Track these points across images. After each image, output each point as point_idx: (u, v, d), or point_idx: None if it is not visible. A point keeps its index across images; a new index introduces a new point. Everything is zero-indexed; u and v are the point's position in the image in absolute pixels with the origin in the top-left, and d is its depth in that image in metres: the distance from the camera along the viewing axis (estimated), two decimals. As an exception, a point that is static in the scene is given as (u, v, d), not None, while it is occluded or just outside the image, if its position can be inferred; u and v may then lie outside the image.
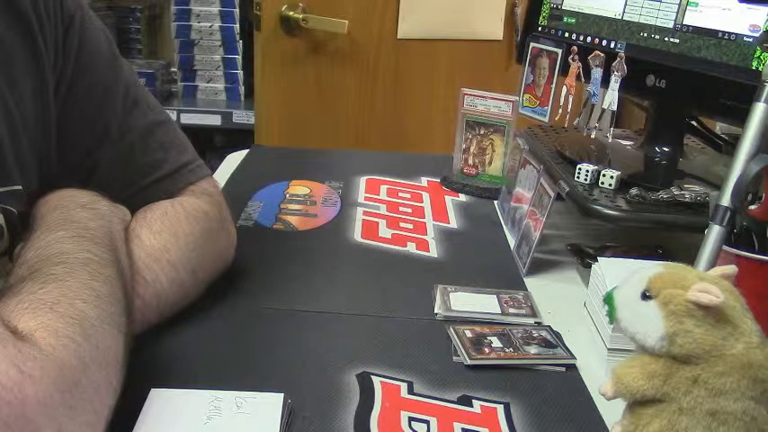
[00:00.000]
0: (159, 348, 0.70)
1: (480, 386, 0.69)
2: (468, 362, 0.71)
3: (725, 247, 0.67)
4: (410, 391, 0.67)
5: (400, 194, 1.20)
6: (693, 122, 1.11)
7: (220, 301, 0.80)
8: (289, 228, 1.04)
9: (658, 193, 0.91)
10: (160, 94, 2.25)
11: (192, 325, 0.75)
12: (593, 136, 1.04)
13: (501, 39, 1.90)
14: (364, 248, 0.99)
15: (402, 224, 1.08)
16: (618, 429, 0.56)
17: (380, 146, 1.87)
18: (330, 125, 1.90)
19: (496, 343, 0.75)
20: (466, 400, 0.67)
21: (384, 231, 1.05)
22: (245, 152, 1.37)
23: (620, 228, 0.98)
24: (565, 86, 1.07)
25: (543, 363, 0.73)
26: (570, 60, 1.06)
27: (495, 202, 1.18)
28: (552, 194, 0.91)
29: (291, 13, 1.80)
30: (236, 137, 2.20)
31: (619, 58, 0.99)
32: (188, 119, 2.19)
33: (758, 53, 0.87)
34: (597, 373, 0.72)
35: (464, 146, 1.23)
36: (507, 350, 0.74)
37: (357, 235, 1.03)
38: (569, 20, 1.13)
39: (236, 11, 2.23)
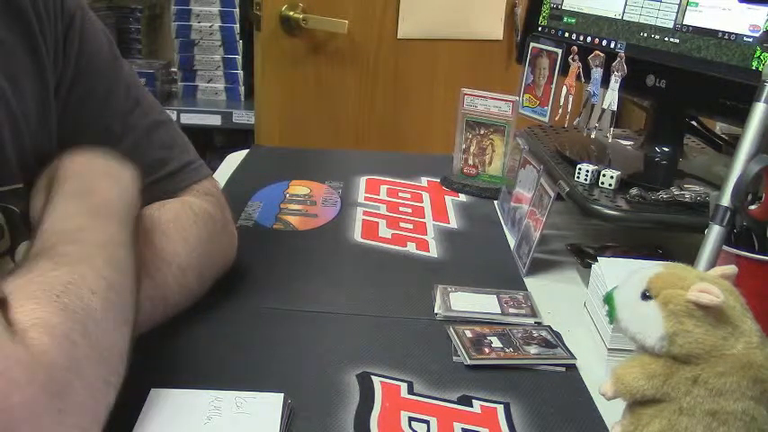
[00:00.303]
0: (159, 348, 0.70)
1: (480, 386, 0.69)
2: (468, 362, 0.71)
3: (725, 247, 0.67)
4: (410, 391, 0.67)
5: (400, 194, 1.20)
6: (693, 122, 1.11)
7: (220, 301, 0.80)
8: (289, 228, 1.04)
9: (658, 193, 0.91)
10: (160, 94, 2.25)
11: (192, 325, 0.75)
12: (593, 136, 1.04)
13: (501, 39, 1.90)
14: (364, 248, 0.99)
15: (402, 224, 1.08)
16: (618, 429, 0.56)
17: (380, 146, 1.87)
18: (330, 125, 1.90)
19: (496, 343, 0.75)
20: (466, 400, 0.67)
21: (384, 231, 1.05)
22: (245, 152, 1.37)
23: (620, 228, 0.98)
24: (565, 86, 1.07)
25: (543, 363, 0.73)
26: (570, 60, 1.06)
27: (495, 202, 1.18)
28: (552, 194, 0.91)
29: (291, 13, 1.80)
30: (236, 137, 2.20)
31: (619, 58, 0.99)
32: (188, 119, 2.19)
33: (758, 53, 0.87)
34: (597, 373, 0.72)
35: (464, 146, 1.23)
36: (507, 350, 0.74)
37: (357, 235, 1.03)
38: (569, 20, 1.13)
39: (236, 11, 2.23)
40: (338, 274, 0.91)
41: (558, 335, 0.78)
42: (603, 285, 0.78)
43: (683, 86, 0.96)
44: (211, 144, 2.37)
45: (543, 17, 1.17)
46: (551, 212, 0.91)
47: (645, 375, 0.53)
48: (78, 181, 0.65)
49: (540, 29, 1.17)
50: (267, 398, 0.63)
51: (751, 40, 0.88)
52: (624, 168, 0.98)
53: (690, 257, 0.65)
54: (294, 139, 1.87)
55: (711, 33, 0.93)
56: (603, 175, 0.96)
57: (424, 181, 1.27)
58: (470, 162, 1.23)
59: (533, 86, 1.12)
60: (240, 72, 2.29)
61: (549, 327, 0.79)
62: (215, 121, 2.22)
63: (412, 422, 0.63)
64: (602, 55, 1.02)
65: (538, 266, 0.95)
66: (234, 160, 1.32)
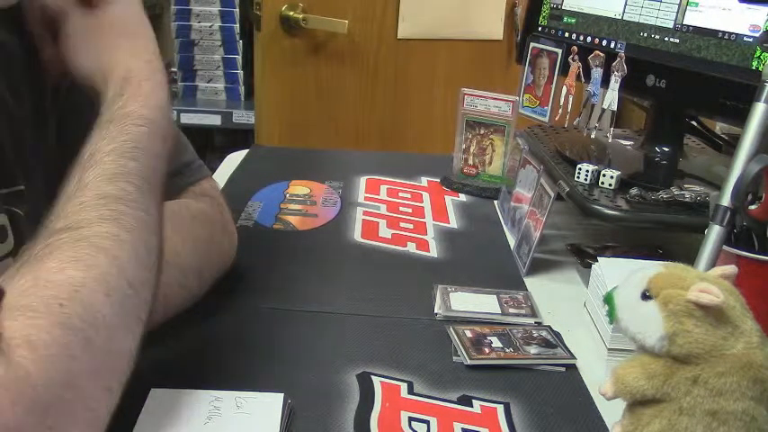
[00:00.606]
0: (159, 348, 0.69)
1: (480, 386, 0.69)
2: (468, 362, 0.71)
3: (725, 247, 0.67)
4: (410, 391, 0.67)
5: (400, 194, 1.20)
6: (693, 122, 1.11)
7: (220, 300, 0.80)
8: (289, 228, 1.04)
9: (658, 193, 0.91)
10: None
11: (192, 325, 0.75)
12: (593, 136, 1.04)
13: (501, 39, 1.90)
14: (364, 248, 0.99)
15: (402, 224, 1.08)
16: (618, 429, 0.56)
17: (380, 146, 1.87)
18: (330, 125, 1.90)
19: (496, 343, 0.75)
20: (466, 400, 0.67)
21: (384, 231, 1.05)
22: (245, 152, 1.37)
23: (620, 228, 0.98)
24: (565, 86, 1.07)
25: (543, 363, 0.73)
26: (570, 60, 1.06)
27: (495, 202, 1.18)
28: (552, 194, 0.91)
29: (291, 13, 1.80)
30: (236, 137, 2.20)
31: (619, 58, 0.99)
32: (188, 119, 2.19)
33: (758, 53, 0.87)
34: (597, 373, 0.72)
35: (464, 146, 1.23)
36: (507, 350, 0.74)
37: (357, 235, 1.03)
38: (569, 20, 1.13)
39: (236, 11, 2.23)
40: (338, 274, 0.91)
41: (558, 335, 0.78)
42: (603, 285, 0.78)
43: (683, 86, 0.96)
44: (211, 144, 2.37)
45: (543, 17, 1.17)
46: (551, 212, 0.91)
47: (645, 375, 0.53)
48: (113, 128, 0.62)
49: (540, 29, 1.17)
50: (267, 398, 0.63)
51: (751, 40, 0.88)
52: (624, 168, 0.98)
53: (690, 257, 0.65)
54: (294, 139, 1.87)
55: (711, 33, 0.93)
56: (603, 175, 0.96)
57: (424, 181, 1.27)
58: (470, 162, 1.23)
59: (533, 86, 1.12)
60: (240, 72, 2.29)
61: (549, 327, 0.79)
62: (215, 121, 2.22)
63: (412, 422, 0.63)
64: (602, 55, 1.02)
65: (538, 266, 0.95)
66: (234, 160, 1.32)
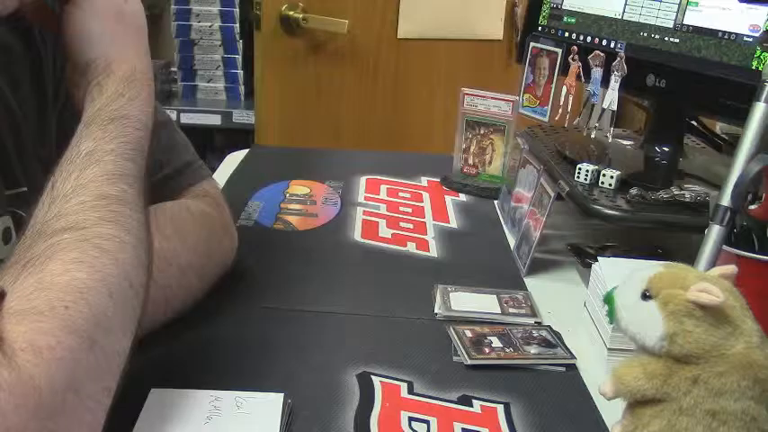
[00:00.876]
0: (159, 348, 0.70)
1: (480, 386, 0.69)
2: (468, 362, 0.71)
3: (725, 247, 0.67)
4: (410, 391, 0.67)
5: (400, 194, 1.20)
6: (693, 122, 1.11)
7: (220, 301, 0.80)
8: (289, 228, 1.04)
9: (658, 193, 0.91)
10: (160, 93, 2.24)
11: (192, 325, 0.75)
12: (593, 136, 1.04)
13: (501, 39, 1.90)
14: (364, 248, 0.99)
15: (402, 224, 1.08)
16: (618, 429, 0.56)
17: (380, 146, 1.87)
18: (330, 125, 1.90)
19: (496, 343, 0.75)
20: (466, 400, 0.67)
21: (384, 231, 1.05)
22: (245, 152, 1.37)
23: (620, 228, 0.98)
24: (565, 86, 1.07)
25: (543, 363, 0.73)
26: (570, 60, 1.06)
27: (495, 201, 1.18)
28: (552, 194, 0.91)
29: (291, 12, 1.80)
30: (236, 137, 2.20)
31: (619, 58, 0.99)
32: (188, 119, 2.19)
33: (758, 53, 0.87)
34: (597, 373, 0.72)
35: (464, 146, 1.23)
36: (507, 350, 0.74)
37: (357, 235, 1.03)
38: (569, 20, 1.13)
39: (236, 11, 2.23)
40: (338, 274, 0.91)
41: (558, 335, 0.78)
42: (603, 285, 0.78)
43: (683, 86, 0.96)
44: (211, 144, 2.37)
45: (543, 17, 1.17)
46: (551, 212, 0.91)
47: (645, 375, 0.53)
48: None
49: (540, 29, 1.17)
50: (267, 398, 0.63)
51: (751, 40, 0.88)
52: (624, 168, 0.98)
53: (690, 257, 0.65)
54: (294, 139, 1.87)
55: (711, 33, 0.93)
56: (603, 175, 0.96)
57: (424, 181, 1.27)
58: (470, 162, 1.23)
59: (533, 86, 1.12)
60: (240, 72, 2.29)
61: (549, 327, 0.79)
62: (215, 120, 2.22)
63: (412, 422, 0.63)
64: (602, 55, 1.01)
65: (538, 266, 0.95)
66: (234, 160, 1.32)
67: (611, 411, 0.60)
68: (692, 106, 1.03)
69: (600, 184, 0.96)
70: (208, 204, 0.81)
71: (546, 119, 1.10)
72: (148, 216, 0.60)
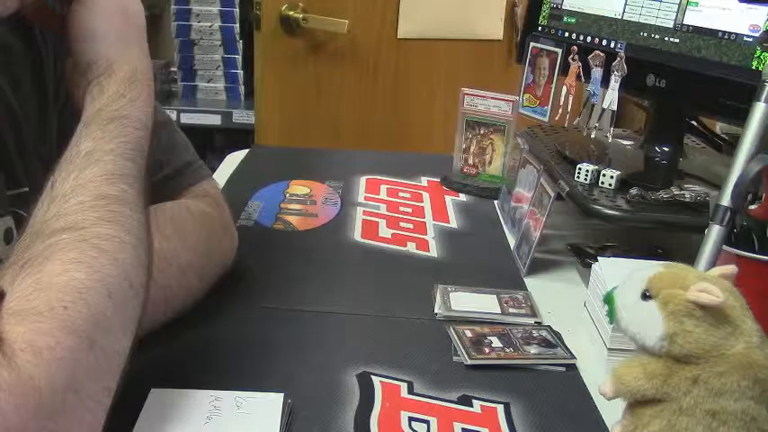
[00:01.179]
0: (159, 348, 0.70)
1: (480, 386, 0.69)
2: (468, 362, 0.71)
3: (725, 247, 0.67)
4: (410, 391, 0.67)
5: (400, 194, 1.20)
6: (693, 122, 1.11)
7: (220, 301, 0.80)
8: (289, 228, 1.04)
9: (658, 193, 0.91)
10: (160, 93, 2.24)
11: (192, 325, 0.75)
12: (593, 136, 1.04)
13: (501, 39, 1.90)
14: (364, 248, 0.99)
15: (402, 224, 1.08)
16: (618, 429, 0.56)
17: (380, 146, 1.87)
18: (330, 125, 1.90)
19: (496, 343, 0.75)
20: (466, 400, 0.67)
21: (384, 231, 1.05)
22: (245, 152, 1.37)
23: (620, 228, 0.98)
24: (565, 86, 1.07)
25: (543, 363, 0.73)
26: (570, 60, 1.06)
27: (495, 201, 1.18)
28: (552, 194, 0.91)
29: (291, 12, 1.80)
30: (236, 137, 2.20)
31: (619, 58, 0.99)
32: (188, 119, 2.19)
33: (758, 53, 0.87)
34: (597, 373, 0.72)
35: (464, 146, 1.23)
36: (507, 350, 0.74)
37: (357, 235, 1.03)
38: (569, 20, 1.13)
39: (236, 11, 2.23)
40: (338, 274, 0.91)
41: (558, 335, 0.78)
42: (603, 285, 0.78)
43: (683, 86, 0.96)
44: (211, 144, 2.37)
45: (543, 17, 1.17)
46: (551, 212, 0.91)
47: (645, 375, 0.53)
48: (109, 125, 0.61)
49: (540, 29, 1.17)
50: (267, 398, 0.63)
51: (751, 40, 0.88)
52: (624, 168, 0.98)
53: (690, 257, 0.65)
54: (294, 139, 1.87)
55: (711, 33, 0.93)
56: (603, 175, 0.96)
57: (424, 181, 1.27)
58: (470, 162, 1.23)
59: (533, 86, 1.12)
60: (240, 72, 2.29)
61: (549, 327, 0.79)
62: (215, 120, 2.22)
63: (412, 422, 0.63)
64: (602, 55, 1.01)
65: (538, 266, 0.95)
66: (234, 160, 1.32)
67: (611, 411, 0.60)
68: (692, 106, 1.03)
69: (600, 184, 0.96)
70: (208, 204, 0.81)
71: (546, 119, 1.10)
72: (148, 216, 0.59)
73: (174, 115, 2.15)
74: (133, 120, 0.60)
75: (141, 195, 0.58)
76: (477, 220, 1.12)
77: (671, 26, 0.98)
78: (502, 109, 1.18)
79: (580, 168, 0.98)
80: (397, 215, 1.11)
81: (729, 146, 1.06)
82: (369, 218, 1.09)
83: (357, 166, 1.31)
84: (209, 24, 2.24)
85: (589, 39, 1.09)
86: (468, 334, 0.76)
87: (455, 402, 0.66)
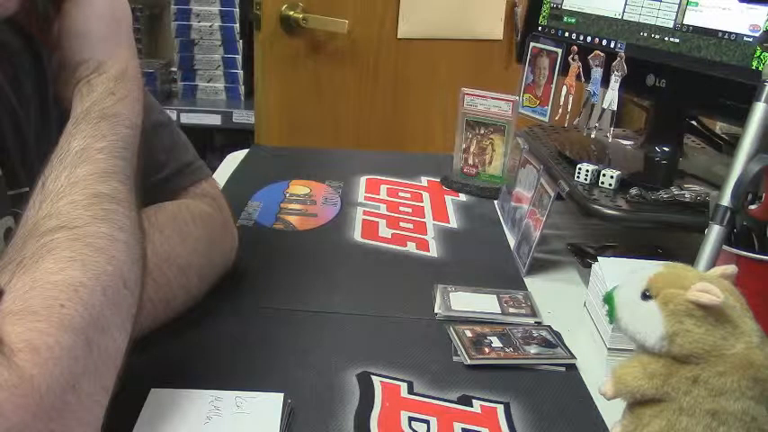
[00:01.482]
0: (159, 348, 0.70)
1: (480, 386, 0.69)
2: (468, 362, 0.71)
3: (725, 247, 0.67)
4: (410, 391, 0.67)
5: (400, 194, 1.20)
6: (693, 122, 1.11)
7: (220, 300, 0.80)
8: (289, 228, 1.04)
9: (658, 193, 0.91)
10: (160, 93, 2.25)
11: (192, 325, 0.75)
12: (593, 136, 1.04)
13: (501, 39, 1.90)
14: (364, 248, 0.99)
15: (402, 224, 1.08)
16: (618, 429, 0.56)
17: (380, 146, 1.87)
18: (330, 125, 1.90)
19: (496, 343, 0.75)
20: (466, 400, 0.67)
21: (384, 231, 1.05)
22: (245, 152, 1.37)
23: (620, 228, 0.98)
24: (565, 86, 1.07)
25: (543, 363, 0.73)
26: (570, 60, 1.06)
27: (495, 201, 1.18)
28: (552, 194, 0.91)
29: (291, 12, 1.80)
30: (236, 137, 2.20)
31: (619, 58, 0.99)
32: (188, 118, 2.19)
33: (758, 53, 0.87)
34: (597, 373, 0.72)
35: (464, 146, 1.23)
36: (507, 350, 0.74)
37: (357, 235, 1.03)
38: (569, 20, 1.13)
39: (236, 11, 2.23)
40: (338, 274, 0.91)
41: (558, 335, 0.78)
42: (603, 285, 0.78)
43: (683, 86, 0.96)
44: (211, 144, 2.37)
45: (543, 17, 1.17)
46: (551, 212, 0.91)
47: (645, 375, 0.53)
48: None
49: (540, 28, 1.17)
50: (267, 398, 0.63)
51: (751, 40, 0.88)
52: (624, 168, 0.98)
53: (690, 257, 0.65)
54: (294, 139, 1.87)
55: (711, 33, 0.93)
56: (603, 175, 0.96)
57: (424, 181, 1.27)
58: (470, 162, 1.23)
59: (533, 86, 1.12)
60: (240, 72, 2.29)
61: (549, 327, 0.79)
62: (215, 120, 2.22)
63: (412, 422, 0.63)
64: (602, 55, 1.02)
65: (538, 266, 0.95)
66: (234, 160, 1.32)
67: (611, 411, 0.60)
68: (692, 106, 1.03)
69: (600, 184, 0.96)
70: (208, 204, 0.81)
71: (546, 119, 1.10)
72: (141, 214, 0.59)
73: (174, 115, 2.15)
74: (123, 118, 0.60)
75: (133, 193, 0.58)
76: (477, 220, 1.12)
77: (671, 26, 0.98)
78: (502, 109, 1.18)
79: (580, 168, 0.98)
80: (397, 215, 1.11)
81: (729, 146, 1.06)
82: (369, 218, 1.09)
83: (357, 166, 1.31)
84: (209, 24, 2.24)
85: (589, 39, 1.09)
86: (468, 334, 0.76)
87: (455, 402, 0.66)
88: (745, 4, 0.88)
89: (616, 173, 0.96)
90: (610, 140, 1.08)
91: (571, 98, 1.07)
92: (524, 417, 0.65)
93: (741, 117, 0.70)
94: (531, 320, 0.81)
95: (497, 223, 1.11)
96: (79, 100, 0.61)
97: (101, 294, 0.50)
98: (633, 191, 0.92)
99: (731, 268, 0.55)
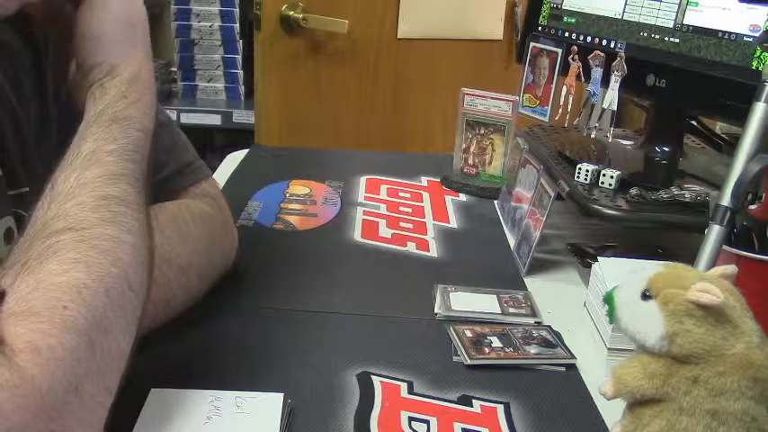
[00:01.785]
0: (159, 348, 0.70)
1: (480, 386, 0.69)
2: (468, 362, 0.71)
3: (725, 247, 0.67)
4: (410, 391, 0.67)
5: (400, 194, 1.20)
6: (693, 122, 1.11)
7: (220, 300, 0.80)
8: (289, 228, 1.04)
9: (658, 193, 0.91)
10: (160, 93, 2.24)
11: (192, 325, 0.75)
12: (593, 136, 1.04)
13: (501, 39, 1.90)
14: (364, 248, 0.99)
15: (402, 224, 1.08)
16: (618, 429, 0.56)
17: (380, 146, 1.87)
18: (330, 125, 1.90)
19: (496, 343, 0.75)
20: (466, 400, 0.67)
21: (384, 231, 1.05)
22: (245, 152, 1.37)
23: (620, 228, 0.98)
24: (565, 86, 1.07)
25: (543, 363, 0.73)
26: (570, 60, 1.06)
27: (495, 201, 1.18)
28: (552, 194, 0.91)
29: (291, 12, 1.80)
30: (236, 137, 2.20)
31: (619, 58, 0.99)
32: (188, 118, 2.19)
33: (758, 53, 0.87)
34: (597, 373, 0.72)
35: (464, 146, 1.23)
36: (507, 350, 0.74)
37: (357, 235, 1.03)
38: (569, 20, 1.13)
39: (236, 11, 2.23)
40: (338, 274, 0.91)
41: (558, 335, 0.78)
42: (603, 285, 0.78)
43: (683, 86, 0.96)
44: (211, 144, 2.37)
45: (543, 17, 1.17)
46: (551, 212, 0.91)
47: (645, 375, 0.53)
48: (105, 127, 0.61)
49: (540, 29, 1.17)
50: (267, 398, 0.63)
51: (751, 40, 0.88)
52: (624, 168, 0.98)
53: (690, 257, 0.65)
54: (294, 139, 1.87)
55: (711, 33, 0.93)
56: (603, 175, 0.96)
57: (424, 181, 1.27)
58: (470, 162, 1.23)
59: (533, 86, 1.12)
60: (240, 72, 2.29)
61: (549, 327, 0.79)
62: (215, 120, 2.22)
63: (412, 422, 0.63)
64: (602, 55, 1.02)
65: (538, 266, 0.95)
66: (234, 160, 1.32)
67: (611, 411, 0.60)
68: (692, 106, 1.03)
69: (600, 184, 0.96)
70: (208, 204, 0.81)
71: (546, 119, 1.10)
72: (149, 217, 0.60)
73: (174, 115, 2.15)
74: (134, 121, 0.60)
75: (142, 196, 0.58)
76: (477, 220, 1.12)
77: (671, 26, 0.98)
78: (502, 109, 1.18)
79: (580, 168, 0.98)
80: (397, 215, 1.11)
81: (729, 146, 1.06)
82: (369, 218, 1.09)
83: (357, 166, 1.31)
84: (209, 24, 2.24)
85: (589, 39, 1.09)
86: (468, 334, 0.76)
87: (455, 402, 0.66)
88: (745, 4, 0.88)
89: (616, 173, 0.96)
90: (610, 140, 1.08)
91: (571, 98, 1.07)
92: (524, 417, 0.65)
93: (741, 117, 0.70)
94: (531, 320, 0.81)
95: (497, 223, 1.11)
96: (92, 103, 0.61)
97: (104, 296, 0.50)
98: (633, 191, 0.92)
99: (731, 268, 0.55)
